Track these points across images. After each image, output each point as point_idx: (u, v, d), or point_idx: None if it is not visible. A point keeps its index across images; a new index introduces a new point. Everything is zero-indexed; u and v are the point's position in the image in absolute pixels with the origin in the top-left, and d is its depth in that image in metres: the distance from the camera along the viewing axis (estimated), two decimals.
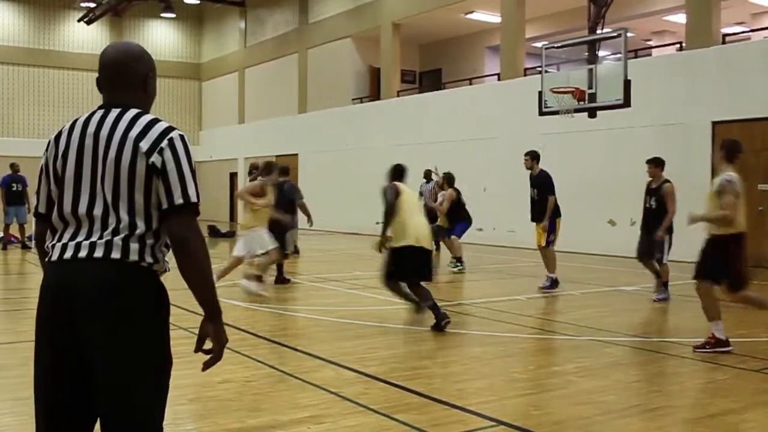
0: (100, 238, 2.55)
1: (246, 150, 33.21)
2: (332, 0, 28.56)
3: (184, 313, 6.95)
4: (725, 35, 17.13)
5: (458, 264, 13.81)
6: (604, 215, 17.49)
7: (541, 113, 15.16)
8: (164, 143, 2.58)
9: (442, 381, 5.96)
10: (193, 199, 2.60)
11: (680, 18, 20.19)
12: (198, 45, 38.74)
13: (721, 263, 6.96)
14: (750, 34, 19.42)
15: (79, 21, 33.95)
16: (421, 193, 15.68)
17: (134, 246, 2.55)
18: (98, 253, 2.53)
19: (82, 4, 33.23)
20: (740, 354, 6.93)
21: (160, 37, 37.28)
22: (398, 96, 25.42)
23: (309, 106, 29.89)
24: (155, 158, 2.56)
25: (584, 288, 10.73)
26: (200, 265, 2.59)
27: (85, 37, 35.16)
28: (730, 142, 7.32)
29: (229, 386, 5.60)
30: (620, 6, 17.11)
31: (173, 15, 34.43)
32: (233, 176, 34.46)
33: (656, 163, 10.75)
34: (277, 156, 31.09)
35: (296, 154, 29.79)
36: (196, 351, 2.70)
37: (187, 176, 2.59)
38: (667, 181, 10.64)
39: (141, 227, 2.57)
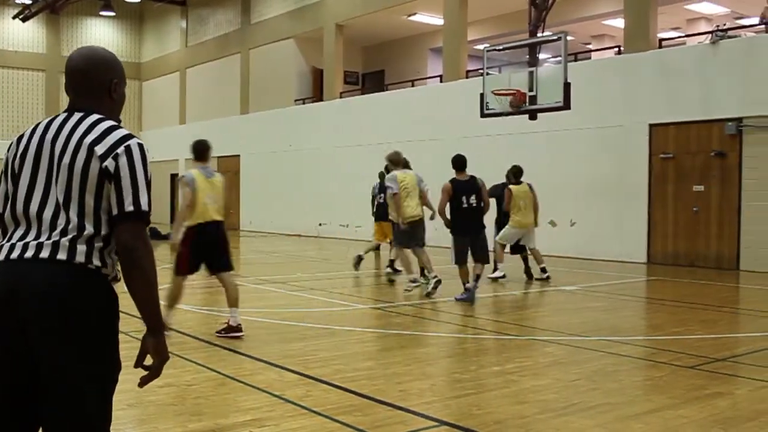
0: (48, 238, 2.52)
1: (187, 151, 32.69)
2: (275, 0, 28.40)
3: (125, 317, 6.82)
4: (662, 40, 17.52)
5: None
6: (544, 216, 17.71)
7: (483, 115, 15.28)
8: (120, 149, 2.57)
9: (384, 382, 5.97)
10: (144, 207, 2.58)
11: (619, 22, 20.58)
12: (138, 44, 38.13)
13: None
14: (685, 39, 19.95)
15: (14, 18, 33.08)
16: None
17: (81, 248, 2.52)
18: (44, 253, 2.50)
19: (17, 1, 32.35)
20: (676, 351, 7.10)
21: (99, 36, 36.50)
22: (341, 97, 25.40)
23: (251, 106, 29.67)
24: (109, 163, 2.54)
25: (525, 288, 10.85)
26: (146, 276, 2.56)
27: (20, 35, 34.29)
28: (197, 143, 8.58)
29: (170, 390, 5.52)
30: (560, 10, 17.35)
31: (112, 13, 33.87)
32: (174, 177, 33.99)
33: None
34: (218, 157, 30.82)
35: (238, 155, 29.56)
36: (136, 366, 2.66)
37: (140, 184, 2.58)
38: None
39: (89, 229, 2.54)
